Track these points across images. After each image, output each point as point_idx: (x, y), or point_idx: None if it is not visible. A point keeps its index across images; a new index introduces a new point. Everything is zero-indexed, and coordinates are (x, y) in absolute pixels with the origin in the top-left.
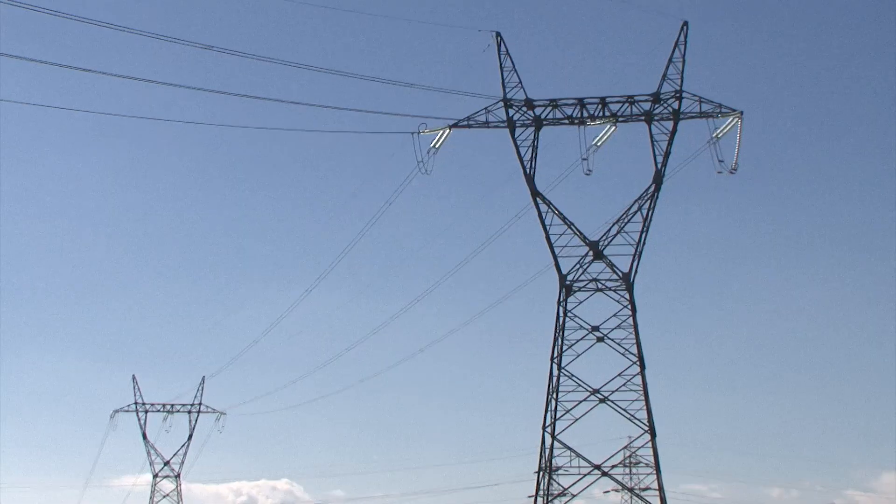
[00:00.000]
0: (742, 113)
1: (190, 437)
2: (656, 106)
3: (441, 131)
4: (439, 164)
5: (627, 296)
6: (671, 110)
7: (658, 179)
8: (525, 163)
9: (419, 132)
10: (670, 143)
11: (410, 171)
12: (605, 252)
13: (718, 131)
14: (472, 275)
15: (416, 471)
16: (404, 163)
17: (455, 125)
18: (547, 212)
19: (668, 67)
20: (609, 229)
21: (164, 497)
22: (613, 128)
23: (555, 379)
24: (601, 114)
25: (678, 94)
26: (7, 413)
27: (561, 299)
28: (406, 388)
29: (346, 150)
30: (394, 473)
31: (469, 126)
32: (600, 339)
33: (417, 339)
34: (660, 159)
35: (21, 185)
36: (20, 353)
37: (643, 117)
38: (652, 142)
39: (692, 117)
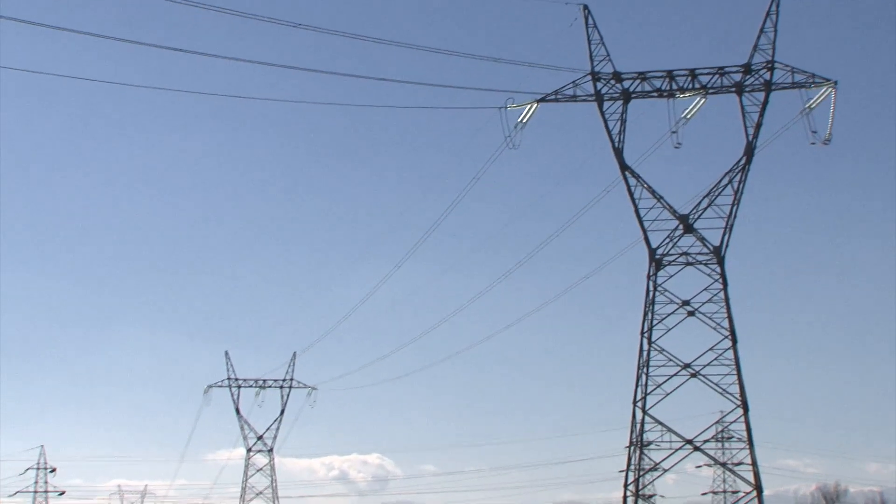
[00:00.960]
0: (836, 83)
1: (282, 411)
2: (747, 77)
3: (528, 106)
4: (527, 138)
5: (718, 269)
6: (763, 81)
7: (749, 151)
8: (613, 136)
9: (506, 107)
10: (762, 115)
11: (498, 147)
12: (696, 225)
13: (811, 102)
14: (561, 249)
15: (506, 445)
16: (492, 138)
17: (542, 100)
18: (636, 185)
19: (759, 37)
20: (699, 202)
21: (257, 471)
22: (703, 100)
23: (645, 353)
24: (691, 86)
25: (770, 65)
26: (106, 389)
27: (651, 273)
28: (496, 363)
29: (433, 126)
30: (484, 448)
31: (556, 100)
32: (691, 314)
33: (507, 314)
34: (751, 131)
35: (117, 168)
36: (118, 331)
37: (734, 89)
38: (743, 113)
39: (784, 88)
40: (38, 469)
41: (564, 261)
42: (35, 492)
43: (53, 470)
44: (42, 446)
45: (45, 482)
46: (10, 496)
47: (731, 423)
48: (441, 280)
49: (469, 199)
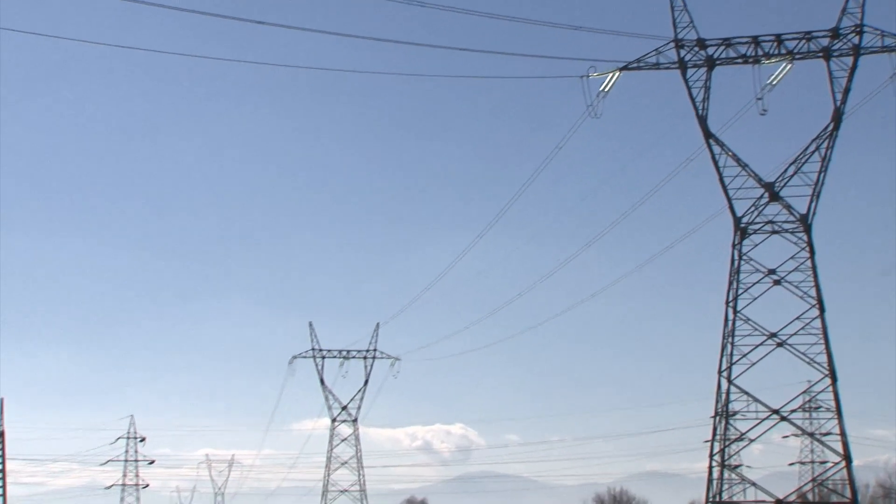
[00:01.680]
0: None
1: (366, 382)
2: (835, 42)
3: (610, 74)
4: (609, 107)
5: (805, 237)
6: (851, 45)
7: (837, 118)
8: (697, 104)
9: (588, 76)
10: (850, 80)
11: (580, 116)
12: (782, 193)
13: None
14: (644, 219)
15: (590, 415)
16: (573, 107)
17: (625, 68)
18: (720, 154)
19: (847, 0)
20: (785, 170)
21: (342, 441)
22: (789, 66)
23: (730, 323)
24: (776, 52)
25: (859, 29)
26: (193, 360)
27: (736, 242)
28: (580, 333)
29: (515, 96)
30: (568, 418)
31: (639, 68)
32: (777, 283)
33: (590, 283)
34: (839, 97)
35: (207, 144)
36: (204, 304)
37: (821, 54)
38: (830, 79)
39: (873, 52)
40: (128, 438)
41: (648, 231)
42: (125, 461)
43: (143, 439)
44: (132, 416)
45: (136, 451)
46: (101, 465)
47: (819, 392)
48: (523, 250)
49: (551, 168)
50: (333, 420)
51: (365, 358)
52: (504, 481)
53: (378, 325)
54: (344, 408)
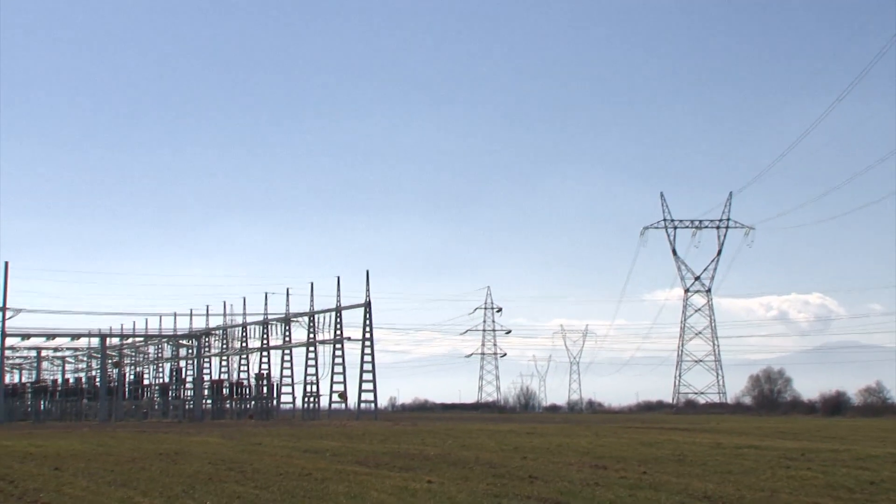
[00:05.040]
0: None
1: (719, 252)
2: None
3: None
4: None
5: None
6: None
7: None
8: None
9: None
10: None
11: None
12: None
13: None
14: None
15: None
16: None
17: None
18: None
19: None
20: None
21: (695, 311)
22: None
23: None
24: None
25: None
26: (546, 231)
27: None
28: None
29: None
30: None
31: None
32: None
33: None
34: None
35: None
36: (557, 173)
37: None
38: None
39: None
40: (485, 309)
41: None
42: (483, 330)
43: (500, 309)
44: (488, 287)
45: (493, 321)
46: (461, 334)
47: None
48: (883, 114)
49: None
50: (686, 290)
51: (718, 228)
52: (866, 352)
53: (731, 194)
54: (697, 278)
